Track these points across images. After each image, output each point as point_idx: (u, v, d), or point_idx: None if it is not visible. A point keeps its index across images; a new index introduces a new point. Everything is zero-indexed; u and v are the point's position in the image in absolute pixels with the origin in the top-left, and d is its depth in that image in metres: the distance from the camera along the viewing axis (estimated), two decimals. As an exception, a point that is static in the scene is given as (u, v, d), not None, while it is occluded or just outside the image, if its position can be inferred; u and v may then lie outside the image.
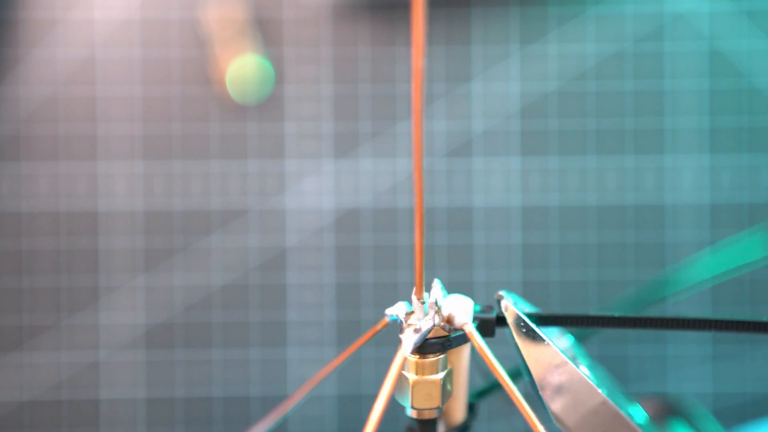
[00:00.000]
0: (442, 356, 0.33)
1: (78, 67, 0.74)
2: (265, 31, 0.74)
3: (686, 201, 0.74)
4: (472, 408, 0.35)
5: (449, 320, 0.33)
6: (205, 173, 0.74)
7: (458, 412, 0.34)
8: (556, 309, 0.74)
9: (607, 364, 0.74)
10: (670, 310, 0.73)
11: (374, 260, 0.74)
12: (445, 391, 0.33)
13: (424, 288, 0.32)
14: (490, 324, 0.33)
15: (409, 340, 0.32)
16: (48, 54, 0.73)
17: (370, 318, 0.74)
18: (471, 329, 0.32)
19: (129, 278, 0.74)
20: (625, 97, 0.74)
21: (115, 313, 0.74)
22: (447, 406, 0.34)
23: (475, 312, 0.34)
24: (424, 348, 0.32)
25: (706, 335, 0.74)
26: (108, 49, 0.74)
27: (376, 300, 0.74)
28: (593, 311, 0.33)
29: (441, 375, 0.33)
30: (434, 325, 0.32)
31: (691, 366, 0.74)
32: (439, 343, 0.33)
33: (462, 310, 0.33)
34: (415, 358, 0.33)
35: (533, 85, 0.74)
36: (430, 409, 0.33)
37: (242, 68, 0.73)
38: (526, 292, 0.74)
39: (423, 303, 0.32)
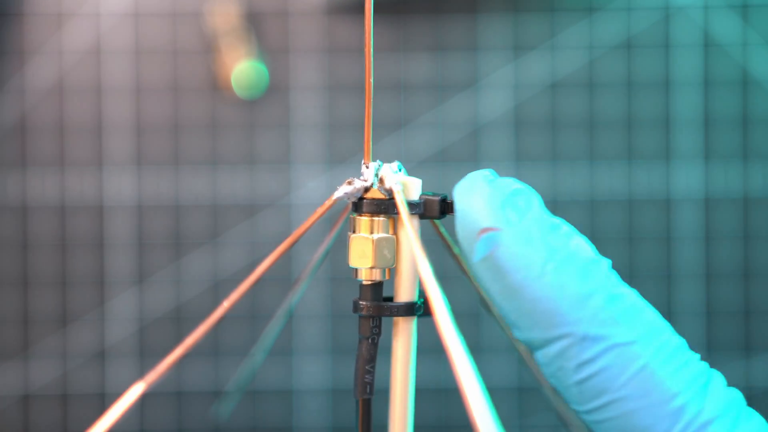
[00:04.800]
0: (379, 219, 0.35)
1: (83, 62, 0.74)
2: (265, 31, 0.74)
3: (685, 197, 0.74)
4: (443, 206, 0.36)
5: (381, 181, 0.35)
6: (208, 173, 0.74)
7: (406, 290, 0.35)
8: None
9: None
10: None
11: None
12: (381, 255, 0.35)
13: (371, 157, 0.36)
14: (434, 204, 0.35)
15: (340, 188, 0.36)
16: (52, 50, 0.74)
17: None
18: (398, 196, 0.34)
19: (132, 277, 0.74)
20: (625, 96, 0.74)
21: (119, 310, 0.74)
22: (396, 282, 0.35)
23: (424, 193, 0.35)
24: (360, 207, 0.35)
25: (703, 335, 0.74)
26: (111, 46, 0.74)
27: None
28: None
29: (374, 236, 0.35)
30: (369, 184, 0.35)
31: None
32: (374, 204, 0.35)
33: (391, 173, 0.35)
34: (353, 215, 0.36)
35: (533, 83, 0.74)
36: (365, 268, 0.35)
37: (243, 68, 0.73)
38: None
39: (368, 168, 0.36)
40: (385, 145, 0.74)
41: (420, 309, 0.35)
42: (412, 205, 0.35)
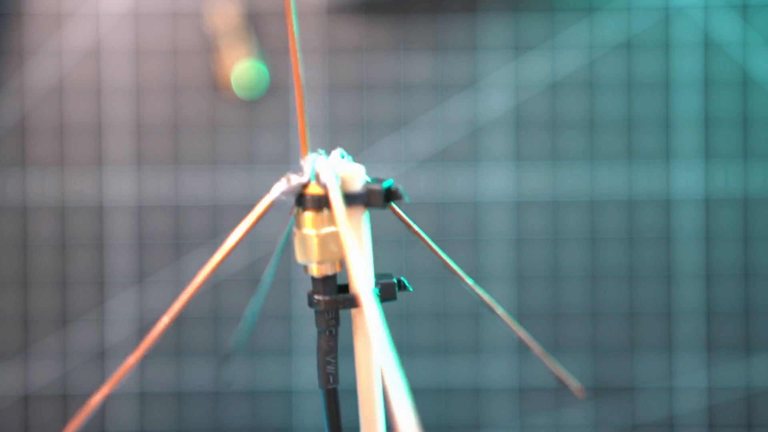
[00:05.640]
0: (322, 214, 0.35)
1: (83, 62, 0.74)
2: (265, 31, 0.74)
3: (685, 197, 0.74)
4: (400, 285, 0.36)
5: (317, 177, 0.34)
6: (208, 173, 0.74)
7: (363, 279, 0.34)
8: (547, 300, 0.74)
9: (606, 363, 0.74)
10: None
11: (375, 254, 0.74)
12: (327, 250, 0.35)
13: (308, 149, 0.35)
14: (377, 194, 0.34)
15: (275, 186, 0.35)
16: (52, 50, 0.74)
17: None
18: (331, 188, 0.34)
19: (132, 277, 0.74)
20: (625, 96, 0.74)
21: (118, 310, 0.74)
22: (353, 274, 0.35)
23: (368, 181, 0.35)
24: (302, 202, 0.35)
25: (703, 335, 0.74)
26: (111, 47, 0.74)
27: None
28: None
29: (315, 231, 0.35)
30: (307, 180, 0.34)
31: (690, 365, 0.74)
32: (313, 199, 0.34)
33: (327, 168, 0.34)
34: (298, 210, 0.35)
35: (533, 83, 0.74)
36: (311, 264, 0.35)
37: (242, 68, 0.73)
38: (521, 289, 0.74)
39: (305, 163, 0.35)
40: (385, 145, 0.74)
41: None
42: (353, 197, 0.34)
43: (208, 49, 0.74)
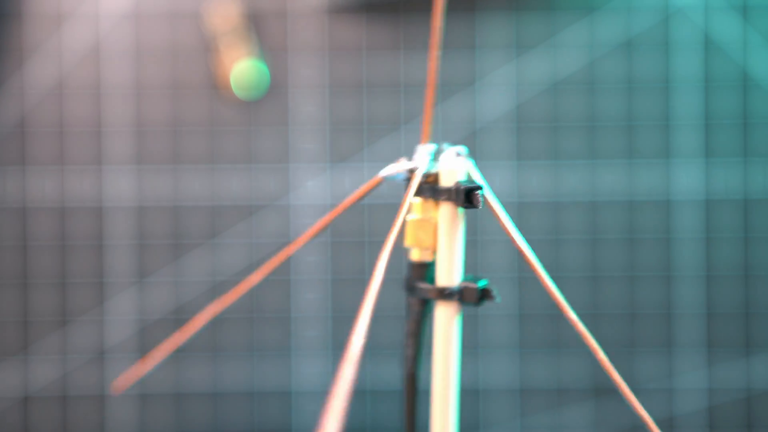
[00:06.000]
0: (421, 201, 0.36)
1: (83, 62, 0.74)
2: (265, 31, 0.74)
3: (684, 197, 0.74)
4: (483, 294, 0.36)
5: (425, 166, 0.36)
6: (208, 173, 0.74)
7: (447, 273, 0.35)
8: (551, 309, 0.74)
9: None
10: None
11: (376, 257, 0.74)
12: (416, 235, 0.36)
13: (428, 138, 0.36)
14: (460, 193, 0.35)
15: (388, 167, 0.36)
16: (52, 51, 0.74)
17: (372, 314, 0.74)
18: (413, 181, 0.35)
19: (131, 277, 0.74)
20: (625, 96, 0.74)
21: (118, 310, 0.74)
22: (438, 268, 0.36)
23: (464, 184, 0.35)
24: (417, 188, 0.36)
25: (703, 335, 0.74)
26: (111, 47, 0.74)
27: (379, 296, 0.74)
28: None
29: (410, 216, 0.36)
30: (413, 167, 0.36)
31: (691, 365, 0.74)
32: (420, 188, 0.35)
33: (425, 158, 0.36)
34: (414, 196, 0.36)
35: (532, 84, 0.74)
36: (411, 249, 0.36)
37: (242, 68, 0.73)
38: (522, 289, 0.74)
39: (421, 150, 0.36)
40: (385, 145, 0.74)
41: (453, 296, 0.35)
42: (441, 191, 0.35)
43: (208, 49, 0.74)
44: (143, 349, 0.74)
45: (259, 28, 0.74)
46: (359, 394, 0.74)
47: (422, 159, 0.36)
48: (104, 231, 0.74)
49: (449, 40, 0.74)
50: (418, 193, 0.36)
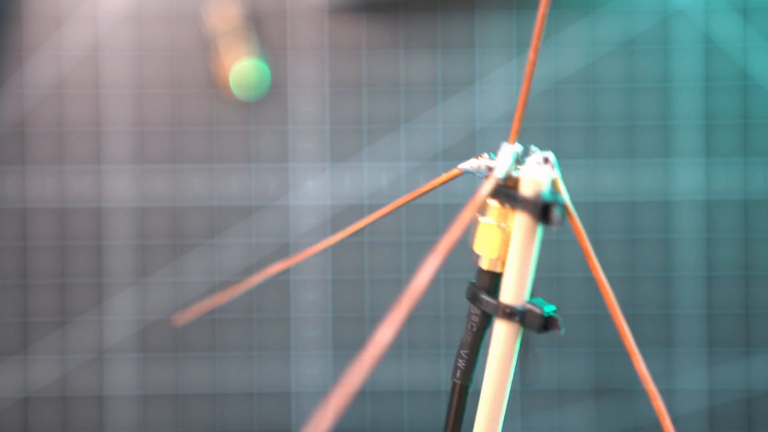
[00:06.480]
0: (497, 205, 0.33)
1: (81, 65, 0.74)
2: (265, 31, 0.74)
3: (685, 199, 0.74)
4: (547, 323, 0.33)
5: (505, 168, 0.33)
6: (208, 173, 0.74)
7: (512, 290, 0.33)
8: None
9: (607, 363, 0.74)
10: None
11: (377, 258, 0.74)
12: (483, 241, 0.33)
13: (515, 139, 0.34)
14: (534, 205, 0.32)
15: (469, 161, 0.34)
16: (52, 51, 0.73)
17: (372, 315, 0.74)
18: (487, 184, 0.32)
19: (131, 277, 0.74)
20: (626, 97, 0.74)
21: (117, 311, 0.74)
22: (503, 282, 0.33)
23: (544, 197, 0.33)
24: (494, 190, 0.33)
25: (703, 335, 0.74)
26: (111, 47, 0.74)
27: (378, 298, 0.74)
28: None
29: (488, 221, 0.33)
30: (489, 167, 0.33)
31: (691, 365, 0.74)
32: (497, 191, 0.32)
33: (507, 159, 0.33)
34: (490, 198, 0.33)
35: (533, 86, 0.74)
36: (480, 255, 0.33)
37: (243, 68, 0.73)
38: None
39: (505, 151, 0.33)
40: (385, 145, 0.74)
41: (514, 316, 0.33)
42: (519, 199, 0.32)
43: (208, 49, 0.74)
44: (143, 349, 0.74)
45: (259, 28, 0.74)
46: (359, 395, 0.74)
47: (504, 159, 0.33)
48: (104, 231, 0.74)
49: (449, 40, 0.74)
50: (495, 196, 0.33)
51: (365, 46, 0.74)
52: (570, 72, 0.74)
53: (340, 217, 0.74)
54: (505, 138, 0.75)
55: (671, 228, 0.74)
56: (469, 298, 0.34)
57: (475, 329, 0.34)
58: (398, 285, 0.74)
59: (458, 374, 0.35)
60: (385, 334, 0.24)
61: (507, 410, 0.35)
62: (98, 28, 0.74)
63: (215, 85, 0.74)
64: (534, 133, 0.74)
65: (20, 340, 0.74)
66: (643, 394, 0.73)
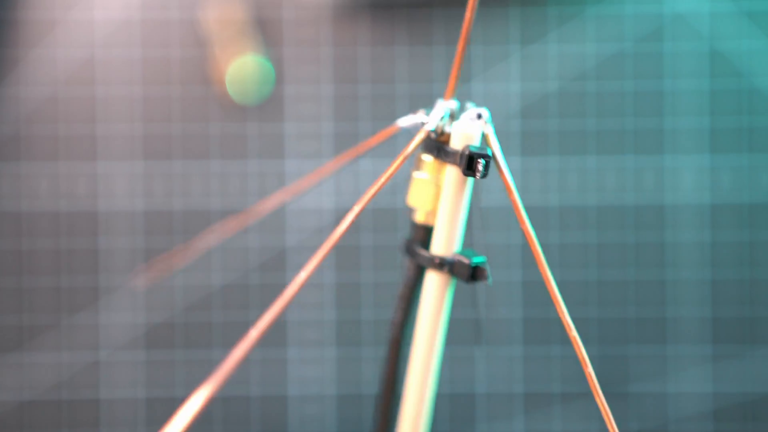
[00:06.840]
0: (428, 159, 0.33)
1: (78, 67, 0.74)
2: (265, 31, 0.74)
3: (686, 201, 0.73)
4: (475, 272, 0.34)
5: (438, 121, 0.34)
6: (205, 173, 0.74)
7: (442, 241, 0.33)
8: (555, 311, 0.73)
9: (606, 364, 0.74)
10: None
11: (374, 260, 0.74)
12: (416, 194, 0.34)
13: (453, 95, 0.34)
14: (464, 157, 0.33)
15: (405, 117, 0.34)
16: (48, 54, 0.73)
17: (370, 318, 0.74)
18: (416, 137, 0.33)
19: (129, 278, 0.74)
20: (625, 98, 0.74)
21: (115, 312, 0.74)
22: (434, 234, 0.33)
23: (470, 149, 0.33)
24: (426, 145, 0.34)
25: (706, 334, 0.74)
26: (108, 50, 0.74)
27: (376, 300, 0.74)
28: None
29: (422, 175, 0.34)
30: (423, 123, 0.34)
31: (691, 365, 0.73)
32: (431, 145, 0.33)
33: (439, 114, 0.33)
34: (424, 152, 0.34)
35: (533, 85, 0.73)
36: (414, 209, 0.34)
37: (242, 68, 0.73)
38: (525, 293, 0.74)
39: (439, 106, 0.33)
40: (385, 145, 0.74)
41: (444, 267, 0.33)
42: (449, 153, 0.33)
43: (207, 49, 0.74)
44: (143, 349, 0.74)
45: (259, 28, 0.74)
46: (357, 397, 0.74)
47: (437, 114, 0.34)
48: (103, 231, 0.74)
49: (449, 39, 0.74)
50: (428, 151, 0.34)
51: (366, 45, 0.74)
52: (569, 72, 0.74)
53: (340, 217, 0.74)
54: (505, 137, 0.75)
55: (671, 229, 0.74)
56: (405, 252, 0.34)
57: (410, 282, 0.34)
58: (396, 286, 0.74)
59: (394, 327, 0.35)
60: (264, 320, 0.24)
61: (508, 410, 0.35)
62: (98, 28, 0.74)
63: (215, 86, 0.74)
64: (534, 133, 0.74)
65: (19, 341, 0.74)
66: (644, 395, 0.73)
